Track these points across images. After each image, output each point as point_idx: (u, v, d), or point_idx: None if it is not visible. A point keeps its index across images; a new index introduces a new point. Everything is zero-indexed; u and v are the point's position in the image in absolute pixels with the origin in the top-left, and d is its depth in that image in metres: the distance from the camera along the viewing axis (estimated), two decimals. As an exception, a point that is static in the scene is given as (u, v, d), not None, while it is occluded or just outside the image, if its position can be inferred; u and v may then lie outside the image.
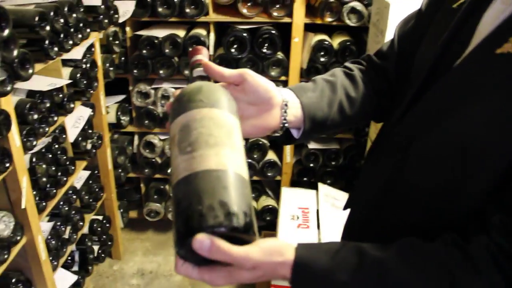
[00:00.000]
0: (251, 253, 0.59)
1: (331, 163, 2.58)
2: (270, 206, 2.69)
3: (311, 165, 2.60)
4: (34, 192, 1.70)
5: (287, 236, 1.95)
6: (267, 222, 2.74)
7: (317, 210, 2.12)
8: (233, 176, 0.58)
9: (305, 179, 2.62)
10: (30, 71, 1.41)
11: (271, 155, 2.64)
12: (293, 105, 0.80)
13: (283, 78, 2.44)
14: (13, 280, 1.68)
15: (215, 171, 0.57)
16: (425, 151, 0.72)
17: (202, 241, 0.54)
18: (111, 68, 2.26)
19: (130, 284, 2.54)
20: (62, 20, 1.57)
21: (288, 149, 2.58)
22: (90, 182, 2.30)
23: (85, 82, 1.94)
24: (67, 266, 2.19)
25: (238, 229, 0.55)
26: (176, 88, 2.46)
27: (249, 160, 2.61)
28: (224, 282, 0.61)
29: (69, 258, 2.22)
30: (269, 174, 2.65)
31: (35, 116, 1.59)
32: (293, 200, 2.21)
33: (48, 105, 1.68)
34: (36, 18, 1.40)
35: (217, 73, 0.75)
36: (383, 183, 0.81)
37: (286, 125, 0.80)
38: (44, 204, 1.78)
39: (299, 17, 2.27)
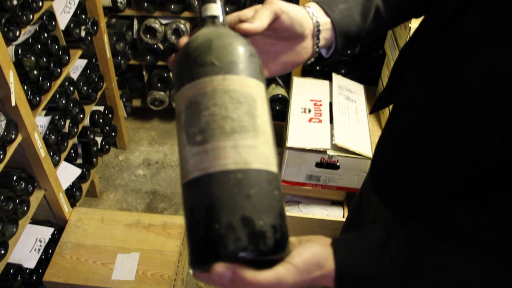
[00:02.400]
0: (284, 276, 0.49)
1: (346, 52, 2.38)
2: (280, 96, 2.56)
3: (324, 51, 2.39)
4: (25, 87, 1.57)
5: (299, 131, 1.84)
6: (277, 111, 2.63)
7: (330, 103, 1.98)
8: (258, 177, 0.45)
9: (317, 68, 2.45)
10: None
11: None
12: (324, 27, 0.69)
13: None
14: (15, 178, 1.61)
15: (233, 173, 0.44)
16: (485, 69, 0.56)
17: (222, 273, 0.45)
18: None
19: (137, 174, 2.51)
20: None
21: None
22: (88, 72, 2.15)
23: (71, -40, 1.71)
24: (70, 160, 2.13)
25: (267, 252, 0.44)
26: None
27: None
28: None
29: (72, 152, 2.15)
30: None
31: (15, 2, 1.40)
32: (304, 92, 2.06)
33: (30, -12, 1.48)
34: None
35: (246, 30, 0.57)
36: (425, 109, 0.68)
37: (318, 50, 0.70)
38: (38, 98, 1.66)
39: None
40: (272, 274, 0.48)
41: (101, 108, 2.34)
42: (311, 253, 0.53)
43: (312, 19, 0.67)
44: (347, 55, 2.40)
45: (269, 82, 2.66)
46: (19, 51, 1.50)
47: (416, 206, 0.75)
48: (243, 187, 0.44)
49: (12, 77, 1.42)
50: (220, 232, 0.43)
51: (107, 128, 2.41)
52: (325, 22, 0.69)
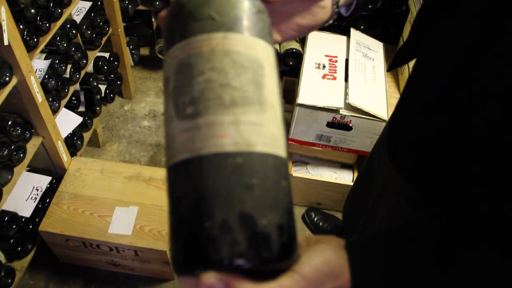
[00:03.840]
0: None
1: (366, 6, 2.23)
2: (294, 50, 2.42)
3: (344, 5, 2.24)
4: (21, 27, 1.47)
5: (311, 87, 1.73)
6: (290, 67, 2.50)
7: (346, 60, 1.85)
8: (262, 162, 0.34)
9: (335, 22, 2.30)
10: None
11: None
12: None
13: None
14: (10, 122, 1.54)
15: (232, 157, 0.34)
16: None
17: (211, 285, 0.34)
18: None
19: (142, 125, 2.42)
20: None
21: None
22: (93, 15, 2.04)
23: None
24: (72, 107, 2.04)
25: (270, 260, 0.33)
26: None
27: None
28: None
29: (74, 99, 2.06)
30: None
31: None
32: (320, 46, 1.93)
33: None
34: None
35: None
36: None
37: (337, 10, 0.61)
38: (35, 40, 1.56)
39: None
40: (275, 287, 0.38)
41: (106, 55, 2.24)
42: (323, 260, 0.43)
43: None
44: (368, 9, 2.25)
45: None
46: (13, -14, 1.40)
47: (432, 176, 0.66)
48: (243, 175, 0.34)
49: (4, 14, 1.32)
50: (212, 232, 0.33)
51: (112, 75, 2.31)
52: None
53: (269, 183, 0.35)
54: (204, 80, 0.36)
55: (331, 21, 0.63)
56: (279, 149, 0.37)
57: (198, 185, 0.34)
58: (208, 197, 0.34)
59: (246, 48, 0.38)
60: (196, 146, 0.35)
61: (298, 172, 1.94)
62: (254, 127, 0.35)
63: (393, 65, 0.86)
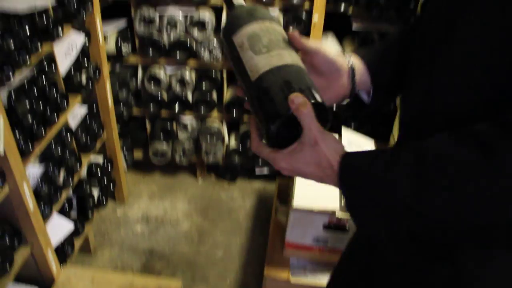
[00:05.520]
0: (315, 127, 0.65)
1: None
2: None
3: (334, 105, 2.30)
4: (17, 133, 1.46)
5: (306, 190, 1.71)
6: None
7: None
8: (304, 69, 0.71)
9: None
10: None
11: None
12: (358, 67, 0.80)
13: (306, 6, 2.11)
14: (-1, 232, 1.48)
15: (292, 66, 0.70)
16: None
17: (298, 96, 0.64)
18: (109, -11, 1.95)
19: (134, 230, 2.35)
20: None
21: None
22: (88, 120, 2.05)
23: (75, 3, 1.64)
24: (64, 213, 1.98)
25: (320, 104, 0.67)
26: (184, 14, 2.15)
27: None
28: (284, 164, 0.68)
29: (66, 204, 2.01)
30: None
31: (11, 43, 1.31)
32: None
33: (27, 30, 1.40)
34: None
35: (298, 39, 0.75)
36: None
37: (354, 90, 0.81)
38: (30, 146, 1.54)
39: None
40: (314, 121, 0.65)
41: (100, 159, 2.22)
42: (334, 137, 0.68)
43: (347, 58, 0.79)
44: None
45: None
46: (12, 95, 1.40)
47: None
48: (301, 72, 0.70)
49: (1, 123, 1.31)
50: (294, 90, 0.66)
51: (105, 180, 2.28)
52: (358, 63, 0.80)
53: (308, 76, 0.70)
54: (268, 39, 0.72)
55: (348, 100, 0.83)
56: (299, 62, 0.72)
57: (280, 77, 0.68)
58: (288, 80, 0.67)
59: (281, 29, 0.76)
60: (273, 63, 0.69)
61: (296, 276, 1.85)
62: (296, 56, 0.72)
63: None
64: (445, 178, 0.56)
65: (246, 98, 0.73)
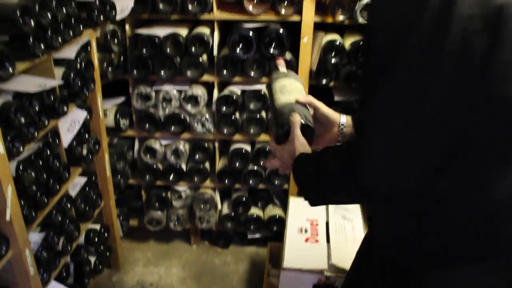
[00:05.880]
0: (296, 132, 1.08)
1: None
2: (277, 216, 2.56)
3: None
4: (22, 202, 1.57)
5: (295, 251, 1.81)
6: (274, 232, 2.61)
7: (327, 223, 1.97)
8: (306, 106, 1.16)
9: None
10: (10, 70, 1.28)
11: (278, 162, 2.50)
12: (349, 124, 1.16)
13: (291, 80, 2.30)
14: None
15: (298, 103, 1.15)
16: None
17: (295, 116, 1.09)
18: (109, 69, 2.13)
19: (129, 297, 2.41)
20: (49, 15, 1.43)
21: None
22: (87, 189, 2.17)
23: (79, 83, 1.81)
24: (61, 279, 2.06)
25: (307, 125, 1.11)
26: (178, 90, 2.33)
27: (255, 168, 2.47)
28: (278, 154, 1.13)
29: (64, 270, 2.09)
30: (276, 182, 2.51)
31: (22, 120, 1.46)
32: (301, 211, 2.06)
33: (37, 108, 1.55)
34: (18, 12, 1.26)
35: (309, 98, 1.18)
36: None
37: (344, 137, 1.17)
38: (33, 214, 1.65)
39: (308, 15, 2.13)
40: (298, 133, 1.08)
41: (97, 227, 2.32)
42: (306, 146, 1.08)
43: (339, 117, 1.17)
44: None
45: (266, 202, 2.67)
46: (20, 167, 1.53)
47: None
48: (305, 107, 1.17)
49: (10, 192, 1.44)
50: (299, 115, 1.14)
51: (102, 247, 2.36)
52: (349, 119, 1.17)
53: (301, 107, 1.16)
54: (291, 88, 1.19)
55: (341, 141, 1.19)
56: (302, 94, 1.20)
57: (292, 107, 1.14)
58: (297, 110, 1.13)
59: (301, 85, 1.23)
60: (291, 99, 1.16)
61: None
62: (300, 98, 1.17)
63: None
64: (314, 174, 0.99)
65: (270, 115, 1.25)
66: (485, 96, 0.75)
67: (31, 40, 1.36)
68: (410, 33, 0.74)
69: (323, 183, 0.95)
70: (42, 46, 1.43)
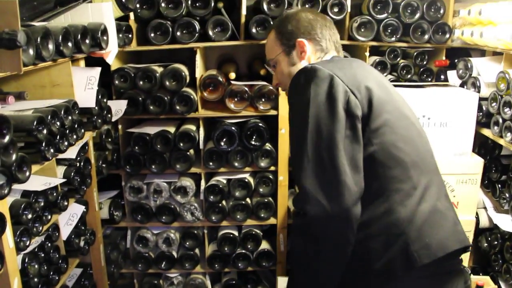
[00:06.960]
0: None
1: None
2: None
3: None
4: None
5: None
6: None
7: None
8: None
9: None
10: (27, 173, 1.46)
11: (265, 245, 2.64)
12: None
13: (272, 168, 2.50)
14: None
15: None
16: None
17: None
18: (104, 165, 2.32)
19: None
20: (58, 123, 1.64)
21: (281, 238, 2.58)
22: (83, 280, 2.27)
23: (78, 180, 1.98)
24: None
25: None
26: (168, 182, 2.51)
27: (243, 251, 2.61)
28: None
29: None
30: (264, 264, 2.63)
31: (29, 216, 1.61)
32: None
33: (42, 204, 1.71)
34: (35, 123, 1.47)
35: None
36: None
37: None
38: (35, 305, 1.75)
39: (284, 110, 2.38)
40: None
41: (92, 317, 2.39)
42: None
43: None
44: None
45: (255, 284, 2.77)
46: (26, 260, 1.66)
47: None
48: None
49: (16, 285, 1.55)
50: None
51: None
52: None
53: None
54: None
55: None
56: None
57: None
58: None
59: None
60: None
61: None
62: None
63: None
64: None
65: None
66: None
67: (44, 146, 1.56)
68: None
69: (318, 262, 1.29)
70: (52, 150, 1.62)
